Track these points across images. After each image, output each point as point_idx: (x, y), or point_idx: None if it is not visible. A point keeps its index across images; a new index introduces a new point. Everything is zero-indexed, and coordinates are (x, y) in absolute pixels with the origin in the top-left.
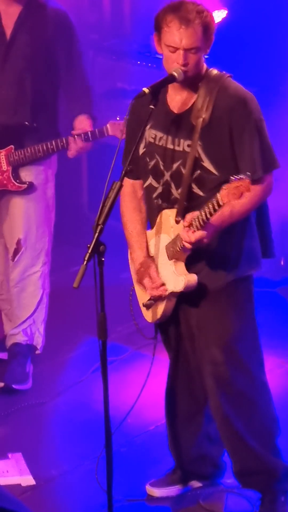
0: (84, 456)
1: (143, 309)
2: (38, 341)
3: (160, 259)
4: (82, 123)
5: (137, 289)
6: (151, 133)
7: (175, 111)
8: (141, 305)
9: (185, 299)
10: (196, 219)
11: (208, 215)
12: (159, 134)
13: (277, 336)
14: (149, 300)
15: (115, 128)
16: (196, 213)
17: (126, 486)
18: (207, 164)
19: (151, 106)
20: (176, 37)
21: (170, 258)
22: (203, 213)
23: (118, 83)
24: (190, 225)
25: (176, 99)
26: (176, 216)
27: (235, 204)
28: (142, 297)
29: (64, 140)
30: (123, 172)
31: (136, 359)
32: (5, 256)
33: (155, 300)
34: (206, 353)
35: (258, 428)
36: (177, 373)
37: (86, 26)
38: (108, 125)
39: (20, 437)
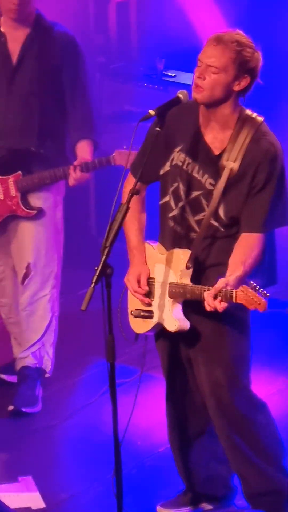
0: (94, 478)
1: (130, 316)
2: (47, 364)
3: (162, 291)
4: (83, 151)
5: (130, 294)
6: (180, 156)
7: (208, 145)
8: (128, 309)
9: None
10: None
11: (224, 299)
12: (188, 160)
13: (286, 356)
14: (137, 309)
15: (121, 158)
16: (222, 286)
17: (137, 508)
18: (220, 210)
19: (157, 129)
20: (204, 52)
21: (170, 296)
22: (221, 294)
23: (125, 105)
24: (215, 294)
25: (209, 132)
26: (189, 261)
27: (247, 260)
28: (132, 303)
29: (71, 168)
30: (130, 194)
31: (145, 381)
32: (13, 280)
33: (142, 316)
34: (207, 373)
35: (264, 449)
36: (177, 395)
37: (93, 49)
38: (114, 154)
39: (30, 460)
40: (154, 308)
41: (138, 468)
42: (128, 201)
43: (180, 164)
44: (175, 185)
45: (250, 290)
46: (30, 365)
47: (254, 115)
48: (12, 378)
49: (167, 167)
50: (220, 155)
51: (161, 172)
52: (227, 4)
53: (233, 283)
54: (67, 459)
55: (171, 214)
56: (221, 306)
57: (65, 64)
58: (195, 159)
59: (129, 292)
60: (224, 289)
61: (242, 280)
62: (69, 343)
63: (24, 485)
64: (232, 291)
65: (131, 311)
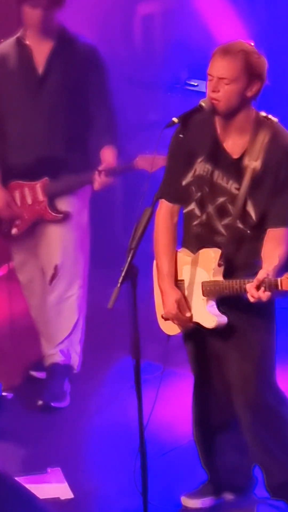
0: (120, 470)
1: (160, 320)
2: (75, 360)
3: (194, 291)
4: (107, 157)
5: (157, 299)
6: (202, 167)
7: (228, 151)
8: (157, 313)
9: None
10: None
11: (267, 289)
12: (211, 168)
13: None
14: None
15: (143, 162)
16: (264, 276)
17: (162, 498)
18: (249, 208)
19: (180, 135)
20: (213, 66)
21: (204, 294)
22: (265, 284)
23: (150, 114)
24: (258, 285)
25: (228, 138)
26: (220, 259)
27: (279, 252)
28: (161, 308)
29: (96, 173)
30: (155, 199)
31: (169, 377)
32: (42, 280)
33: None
34: (235, 369)
35: (287, 442)
36: (203, 390)
37: (119, 59)
38: (137, 159)
39: (58, 452)
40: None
41: (163, 460)
42: (153, 204)
43: (204, 173)
44: (199, 194)
45: None
46: (58, 361)
47: (269, 116)
48: (42, 374)
49: (189, 177)
50: (241, 158)
51: (184, 183)
52: (248, 16)
53: (273, 273)
54: (94, 451)
55: (196, 222)
56: (265, 295)
57: (89, 74)
58: (218, 167)
59: (156, 298)
60: (266, 279)
61: (279, 270)
62: (96, 340)
63: (53, 476)
64: (277, 279)
65: (162, 315)
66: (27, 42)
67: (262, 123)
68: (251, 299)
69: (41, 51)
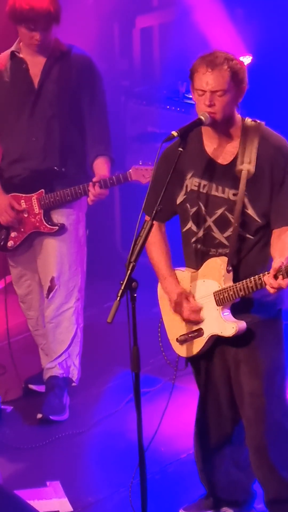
0: (119, 483)
1: (175, 344)
2: (74, 373)
3: (206, 303)
4: (101, 168)
5: (167, 324)
6: (194, 182)
7: (218, 160)
8: (171, 339)
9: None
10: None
11: (286, 275)
12: (203, 182)
13: None
14: (182, 335)
15: (138, 173)
16: (279, 265)
17: (160, 511)
18: (250, 211)
19: (180, 149)
20: (203, 81)
21: (218, 304)
22: (281, 272)
23: (149, 127)
24: (275, 274)
25: (217, 148)
26: (228, 265)
27: None
28: (173, 332)
29: (90, 185)
30: (154, 211)
31: (168, 390)
32: (40, 293)
33: (191, 338)
34: (244, 384)
35: None
36: (207, 405)
37: (118, 73)
38: (131, 170)
39: (58, 465)
40: (203, 324)
41: (161, 473)
42: (152, 218)
43: (196, 188)
44: (194, 209)
45: None
46: (57, 374)
47: (256, 120)
48: (41, 388)
49: (182, 196)
50: (233, 163)
51: (178, 201)
52: (245, 29)
53: (287, 261)
54: (93, 465)
55: (195, 238)
56: (284, 282)
57: (83, 85)
58: (211, 179)
59: (166, 322)
60: (283, 266)
61: None
62: (95, 354)
63: (52, 489)
64: None
65: (176, 339)
66: (21, 56)
67: (250, 127)
68: (271, 290)
69: (36, 64)
